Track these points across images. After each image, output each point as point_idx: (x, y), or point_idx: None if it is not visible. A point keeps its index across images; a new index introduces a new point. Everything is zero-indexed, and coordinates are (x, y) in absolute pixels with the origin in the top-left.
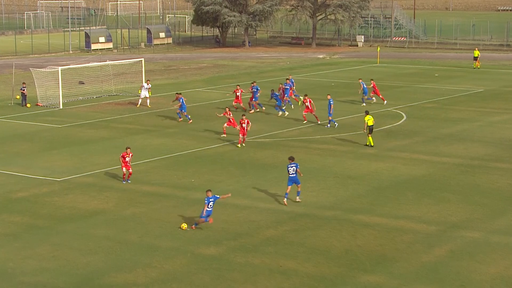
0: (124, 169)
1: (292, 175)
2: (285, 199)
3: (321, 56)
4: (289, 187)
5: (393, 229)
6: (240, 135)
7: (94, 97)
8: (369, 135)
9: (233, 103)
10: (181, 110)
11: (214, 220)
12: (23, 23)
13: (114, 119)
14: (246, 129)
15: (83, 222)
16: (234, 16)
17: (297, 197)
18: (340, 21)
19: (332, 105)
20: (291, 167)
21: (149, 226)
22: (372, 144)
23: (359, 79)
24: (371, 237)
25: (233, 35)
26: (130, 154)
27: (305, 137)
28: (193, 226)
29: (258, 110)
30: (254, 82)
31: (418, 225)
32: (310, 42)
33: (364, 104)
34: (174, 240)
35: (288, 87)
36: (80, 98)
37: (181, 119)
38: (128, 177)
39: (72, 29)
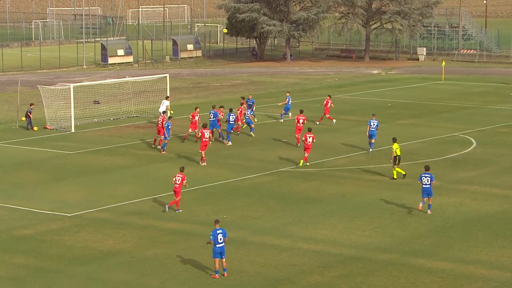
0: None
1: (426, 186)
2: (421, 204)
3: (375, 72)
4: (424, 199)
5: (461, 276)
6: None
7: (111, 119)
8: (396, 166)
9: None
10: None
11: (250, 263)
12: (30, 33)
13: (134, 145)
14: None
15: (97, 264)
16: (274, 25)
17: (428, 211)
18: (398, 30)
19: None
20: (426, 177)
21: (173, 270)
22: (395, 177)
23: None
24: (435, 285)
25: (273, 47)
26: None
27: (356, 166)
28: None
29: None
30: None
31: (490, 271)
32: (363, 55)
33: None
34: (203, 286)
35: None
36: (95, 120)
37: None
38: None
39: (86, 40)
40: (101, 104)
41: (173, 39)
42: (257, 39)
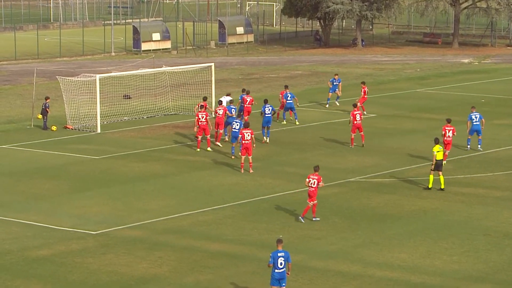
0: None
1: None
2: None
3: (466, 61)
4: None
5: None
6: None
7: (144, 117)
8: (437, 172)
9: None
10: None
11: None
12: (49, 13)
13: (171, 149)
14: None
15: None
16: (342, 3)
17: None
18: (494, 10)
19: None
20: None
21: None
22: (442, 187)
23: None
24: None
25: (340, 31)
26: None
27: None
28: None
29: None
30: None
31: None
32: (451, 41)
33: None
34: None
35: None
36: (125, 118)
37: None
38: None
39: (115, 22)
40: (132, 99)
41: (219, 20)
42: (321, 21)
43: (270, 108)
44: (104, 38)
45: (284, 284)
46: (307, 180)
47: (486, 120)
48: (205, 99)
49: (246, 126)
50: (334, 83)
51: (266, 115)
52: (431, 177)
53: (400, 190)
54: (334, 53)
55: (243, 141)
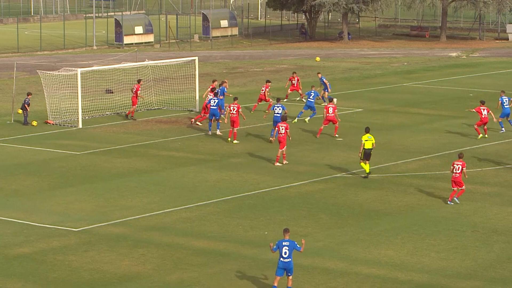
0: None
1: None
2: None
3: (454, 54)
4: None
5: None
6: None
7: (127, 111)
8: (364, 161)
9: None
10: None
11: None
12: (29, 6)
13: (155, 144)
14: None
15: None
16: None
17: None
18: (482, 3)
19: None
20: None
21: None
22: (367, 172)
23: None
24: None
25: (326, 24)
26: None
27: (430, 171)
28: None
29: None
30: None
31: None
32: (438, 34)
33: None
34: None
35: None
36: (107, 113)
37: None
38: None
39: (97, 15)
40: (114, 94)
41: (203, 13)
42: (307, 14)
43: (280, 107)
44: (85, 32)
45: (290, 274)
46: (451, 167)
47: (475, 114)
48: (217, 85)
49: (284, 119)
50: (323, 81)
51: (275, 114)
52: (363, 164)
53: (387, 186)
54: (320, 46)
55: (278, 134)
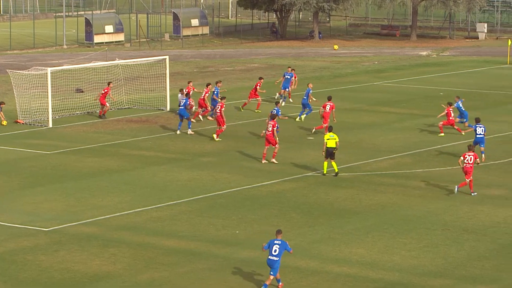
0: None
1: (479, 136)
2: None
3: (424, 53)
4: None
5: None
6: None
7: (98, 111)
8: (328, 160)
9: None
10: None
11: None
12: None
13: (126, 143)
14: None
15: None
16: None
17: (483, 156)
18: (452, 2)
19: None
20: (480, 127)
21: None
22: (336, 170)
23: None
24: None
25: (297, 23)
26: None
27: (401, 170)
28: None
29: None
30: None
31: None
32: (409, 33)
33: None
34: None
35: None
36: (77, 112)
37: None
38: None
39: (67, 14)
40: (85, 93)
41: (173, 12)
42: (278, 13)
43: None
44: (55, 31)
45: (272, 273)
46: (462, 158)
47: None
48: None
49: (273, 118)
50: (286, 77)
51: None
52: (325, 163)
53: (358, 184)
54: (290, 45)
55: (266, 132)
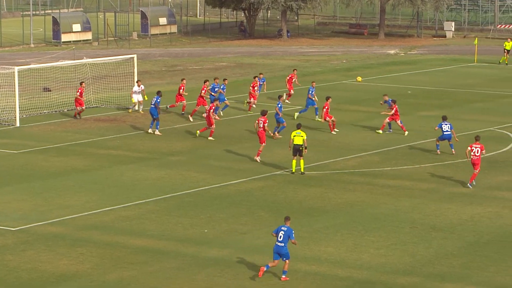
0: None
1: (446, 133)
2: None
3: (392, 52)
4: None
5: None
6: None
7: (65, 110)
8: (297, 157)
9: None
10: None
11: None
12: None
13: (93, 142)
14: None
15: None
16: None
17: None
18: (420, 1)
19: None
20: (446, 124)
21: None
22: (302, 171)
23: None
24: None
25: (265, 22)
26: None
27: (369, 168)
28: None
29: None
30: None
31: None
32: (377, 32)
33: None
34: None
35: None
36: (44, 111)
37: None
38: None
39: (34, 12)
40: (52, 92)
41: (141, 11)
42: (246, 12)
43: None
44: (22, 29)
45: (285, 258)
46: (469, 149)
47: (412, 111)
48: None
49: (263, 114)
50: (260, 83)
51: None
52: (294, 162)
53: (326, 183)
54: (259, 44)
55: (258, 128)
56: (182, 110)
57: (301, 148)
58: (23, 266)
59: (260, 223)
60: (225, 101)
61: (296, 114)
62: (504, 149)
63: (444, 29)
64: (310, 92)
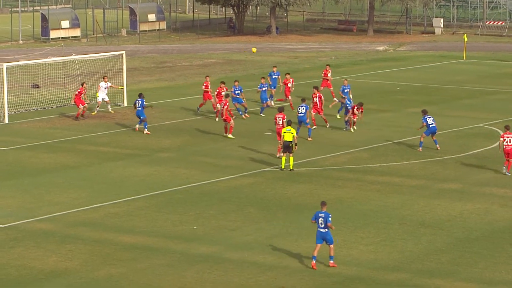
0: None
1: (432, 126)
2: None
3: (381, 48)
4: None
5: None
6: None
7: (54, 107)
8: (286, 154)
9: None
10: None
11: (225, 285)
12: None
13: (82, 139)
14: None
15: (36, 287)
16: None
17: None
18: None
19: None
20: (429, 118)
21: None
22: (291, 168)
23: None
24: None
25: (254, 18)
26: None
27: (358, 165)
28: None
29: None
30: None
31: None
32: (366, 28)
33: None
34: None
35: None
36: (33, 108)
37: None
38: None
39: (23, 9)
40: (41, 89)
41: (130, 7)
42: (235, 8)
43: (304, 107)
44: (11, 26)
45: (330, 243)
46: (501, 139)
47: (402, 108)
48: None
49: (280, 110)
50: (273, 77)
51: (299, 114)
52: (283, 158)
53: (316, 179)
54: (248, 40)
55: (276, 126)
56: (200, 106)
57: (290, 145)
58: (12, 263)
59: (249, 220)
60: (242, 103)
61: (338, 115)
62: (492, 146)
63: (433, 25)
64: (345, 91)
